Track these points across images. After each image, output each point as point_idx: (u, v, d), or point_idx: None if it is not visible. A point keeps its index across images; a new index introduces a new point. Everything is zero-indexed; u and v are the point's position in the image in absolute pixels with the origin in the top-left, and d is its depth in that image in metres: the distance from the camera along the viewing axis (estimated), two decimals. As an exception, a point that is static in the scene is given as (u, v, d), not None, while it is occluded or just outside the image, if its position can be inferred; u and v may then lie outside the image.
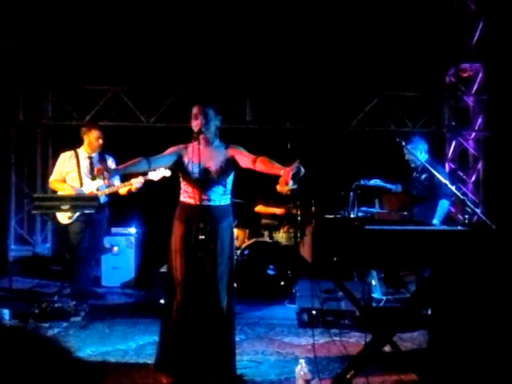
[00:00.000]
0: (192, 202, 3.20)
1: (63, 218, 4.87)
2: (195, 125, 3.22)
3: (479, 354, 2.63)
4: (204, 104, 3.24)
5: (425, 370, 2.90)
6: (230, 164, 3.25)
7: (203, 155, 3.13)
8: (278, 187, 6.99)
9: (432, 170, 4.12)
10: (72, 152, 5.05)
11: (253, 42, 7.03)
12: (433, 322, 2.98)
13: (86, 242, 4.86)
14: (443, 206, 4.88)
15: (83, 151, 5.06)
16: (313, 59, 7.14)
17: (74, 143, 5.18)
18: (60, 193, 4.97)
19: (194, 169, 3.17)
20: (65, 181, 4.99)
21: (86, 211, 4.70)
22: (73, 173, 4.97)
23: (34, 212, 4.97)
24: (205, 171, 3.17)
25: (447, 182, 3.89)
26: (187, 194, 3.25)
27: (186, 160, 3.24)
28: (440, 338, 2.79)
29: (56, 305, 4.60)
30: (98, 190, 4.92)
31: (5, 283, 5.72)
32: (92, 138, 5.01)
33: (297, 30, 7.07)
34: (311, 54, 7.14)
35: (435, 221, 4.78)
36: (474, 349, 2.65)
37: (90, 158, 5.05)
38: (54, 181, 5.05)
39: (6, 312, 4.45)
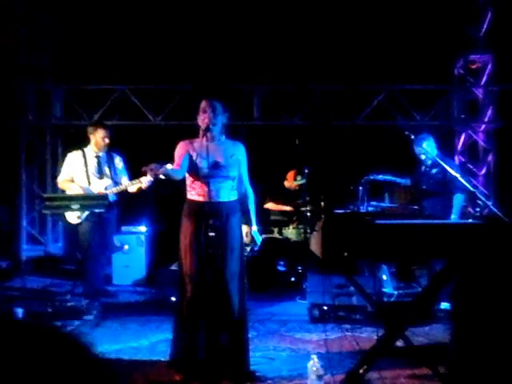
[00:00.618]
0: (200, 198, 3.19)
1: (72, 217, 4.89)
2: (202, 118, 3.21)
3: (498, 349, 2.61)
4: (212, 98, 3.25)
5: (450, 364, 2.87)
6: (237, 162, 3.26)
7: (211, 150, 3.12)
8: (286, 183, 7.06)
9: (444, 165, 4.08)
10: (79, 152, 5.06)
11: (259, 39, 7.02)
12: (454, 317, 2.95)
13: (96, 241, 4.88)
14: (459, 200, 4.85)
15: (90, 151, 5.07)
16: (320, 54, 7.11)
17: (84, 143, 5.21)
18: (69, 192, 4.99)
19: (203, 164, 3.16)
20: (73, 181, 5.01)
21: (96, 210, 4.72)
22: (81, 172, 4.99)
23: (45, 212, 5.00)
24: (214, 166, 3.16)
25: (458, 175, 3.86)
26: (195, 191, 3.23)
27: (193, 155, 3.23)
28: (461, 331, 2.76)
29: (68, 303, 4.63)
30: (106, 189, 4.93)
31: (18, 282, 5.78)
32: (98, 138, 5.01)
33: (303, 25, 7.04)
34: (318, 49, 7.11)
35: (453, 216, 4.74)
36: (494, 343, 2.63)
37: (98, 157, 5.06)
38: (62, 181, 5.07)
39: (20, 311, 4.49)
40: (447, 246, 2.72)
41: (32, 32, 7.37)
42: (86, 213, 4.81)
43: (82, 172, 4.99)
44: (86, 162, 5.01)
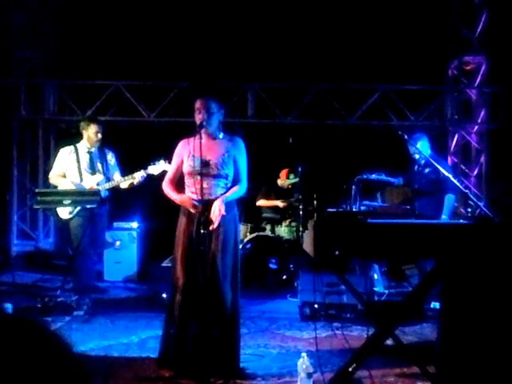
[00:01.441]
0: (194, 196, 3.19)
1: (64, 212, 4.85)
2: (197, 118, 3.22)
3: (486, 349, 2.63)
4: (206, 98, 3.24)
5: (437, 362, 2.89)
6: (232, 159, 3.25)
7: (205, 149, 3.12)
8: (279, 181, 7.06)
9: (437, 164, 4.09)
10: (72, 147, 5.02)
11: (254, 36, 7.02)
12: (443, 316, 2.97)
13: (88, 237, 4.86)
14: (450, 200, 4.88)
15: (83, 146, 5.03)
16: (315, 53, 7.12)
17: (76, 138, 5.18)
18: (60, 188, 4.95)
19: (196, 162, 3.16)
20: (65, 176, 4.97)
21: (88, 206, 4.69)
22: (73, 168, 4.95)
23: (36, 207, 4.97)
24: (206, 164, 3.16)
25: (450, 176, 3.87)
26: (189, 189, 3.25)
27: (187, 154, 3.23)
28: (449, 331, 2.78)
29: (59, 299, 4.61)
30: (98, 184, 4.90)
31: (8, 278, 5.74)
32: (91, 133, 4.97)
33: (299, 23, 7.04)
34: (313, 48, 7.12)
35: (444, 216, 4.78)
36: (482, 343, 2.64)
37: (90, 152, 5.02)
38: (53, 176, 5.02)
39: (9, 306, 4.46)
40: (438, 245, 2.73)
41: (26, 27, 7.32)
42: (78, 208, 4.78)
43: (74, 167, 4.95)
44: (78, 158, 4.97)
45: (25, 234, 7.60)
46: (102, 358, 3.54)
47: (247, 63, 7.06)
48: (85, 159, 4.99)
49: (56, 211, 4.88)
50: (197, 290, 3.06)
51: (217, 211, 3.10)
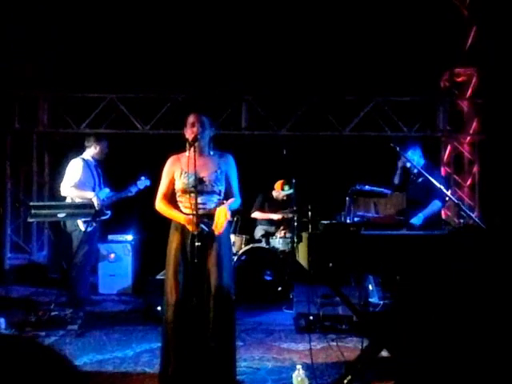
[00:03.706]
0: (188, 211, 3.20)
1: (84, 225, 4.82)
2: (190, 132, 3.24)
3: (470, 355, 2.64)
4: (200, 113, 3.28)
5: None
6: (224, 175, 3.27)
7: (197, 165, 3.13)
8: (274, 193, 7.08)
9: (429, 176, 4.10)
10: (81, 159, 5.01)
11: (248, 49, 7.07)
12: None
13: (87, 250, 4.86)
14: (434, 205, 4.82)
15: (91, 159, 5.06)
16: (308, 65, 7.18)
17: (70, 151, 5.20)
18: (78, 200, 4.83)
19: (189, 179, 3.17)
20: (77, 188, 4.92)
21: (83, 219, 4.71)
22: (90, 181, 4.95)
23: (31, 220, 4.93)
24: (199, 181, 3.17)
25: (442, 187, 3.90)
26: (182, 204, 3.25)
27: (179, 171, 3.25)
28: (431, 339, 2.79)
29: (52, 313, 4.58)
30: (107, 197, 5.01)
31: (1, 291, 5.71)
32: (103, 147, 5.08)
33: (292, 36, 7.11)
34: (306, 60, 7.18)
35: (420, 214, 4.61)
36: (465, 348, 2.66)
37: (96, 166, 5.10)
38: (72, 187, 4.87)
39: (2, 321, 4.43)
40: (429, 256, 2.76)
41: (21, 40, 7.35)
42: (97, 220, 4.80)
43: (91, 181, 4.96)
44: (92, 171, 5.00)
45: (18, 247, 7.55)
46: (97, 372, 3.51)
47: (241, 75, 7.10)
48: (97, 172, 5.06)
49: (78, 223, 4.79)
50: (190, 304, 3.04)
51: (223, 217, 3.10)
